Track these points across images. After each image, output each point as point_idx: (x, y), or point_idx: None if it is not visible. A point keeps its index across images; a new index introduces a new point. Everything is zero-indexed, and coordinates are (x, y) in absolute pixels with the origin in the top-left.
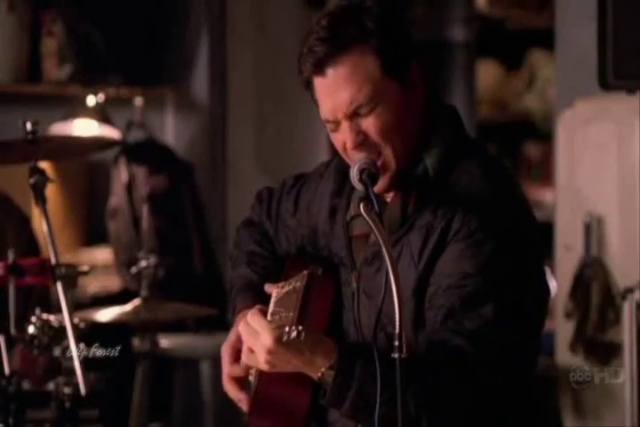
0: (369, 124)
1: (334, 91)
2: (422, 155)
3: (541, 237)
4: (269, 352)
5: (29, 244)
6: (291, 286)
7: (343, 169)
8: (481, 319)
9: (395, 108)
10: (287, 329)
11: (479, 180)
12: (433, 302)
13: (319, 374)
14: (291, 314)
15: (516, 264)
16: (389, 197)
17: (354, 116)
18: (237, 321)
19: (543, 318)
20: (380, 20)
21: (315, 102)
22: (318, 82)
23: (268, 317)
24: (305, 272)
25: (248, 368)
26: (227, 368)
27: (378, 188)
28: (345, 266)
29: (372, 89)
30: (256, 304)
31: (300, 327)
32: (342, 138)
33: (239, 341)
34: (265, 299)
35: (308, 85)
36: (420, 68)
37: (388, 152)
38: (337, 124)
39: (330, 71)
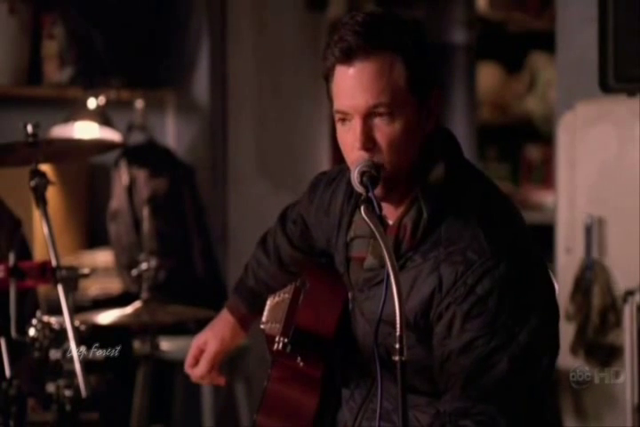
0: (381, 131)
1: (357, 86)
2: (418, 193)
3: (543, 258)
4: None
5: (21, 247)
6: (280, 298)
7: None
8: (498, 377)
9: (408, 123)
10: (277, 339)
11: (474, 219)
12: (446, 368)
13: None
14: (277, 325)
15: (522, 305)
16: (392, 219)
17: (369, 116)
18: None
19: (556, 339)
20: (416, 39)
21: (329, 93)
22: (341, 71)
23: (261, 325)
24: (293, 285)
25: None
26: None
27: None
28: (345, 282)
29: (394, 95)
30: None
31: (286, 340)
32: (352, 137)
33: (199, 350)
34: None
35: (328, 74)
36: (439, 99)
37: (388, 167)
38: (348, 117)
39: (358, 63)
